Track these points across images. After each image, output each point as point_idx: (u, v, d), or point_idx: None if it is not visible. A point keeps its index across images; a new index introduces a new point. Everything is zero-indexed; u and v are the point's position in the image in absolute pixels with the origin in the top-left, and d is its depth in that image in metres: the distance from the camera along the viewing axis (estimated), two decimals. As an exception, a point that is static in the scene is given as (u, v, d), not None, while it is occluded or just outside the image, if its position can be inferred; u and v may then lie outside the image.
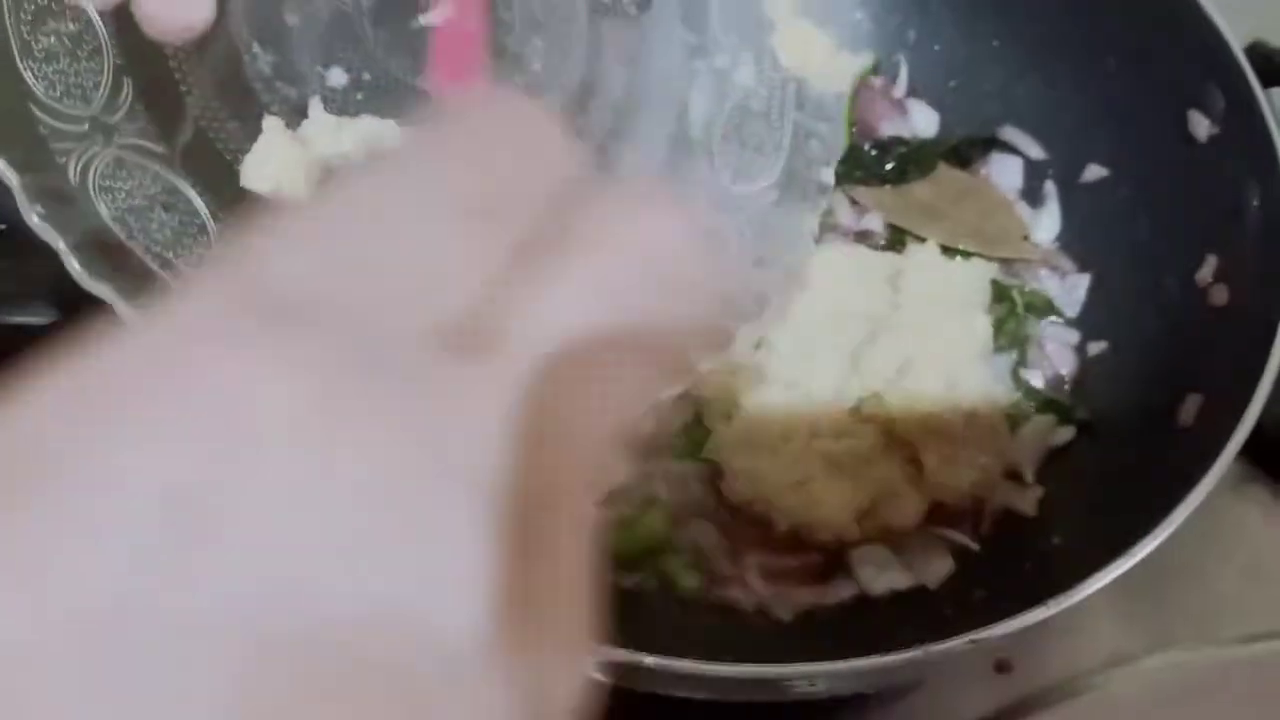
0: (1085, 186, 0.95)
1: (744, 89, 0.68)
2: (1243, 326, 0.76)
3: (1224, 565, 0.88)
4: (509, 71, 0.61)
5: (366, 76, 0.59)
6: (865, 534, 0.82)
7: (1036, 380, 0.91)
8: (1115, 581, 0.66)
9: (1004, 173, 0.99)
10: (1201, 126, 0.84)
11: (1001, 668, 0.82)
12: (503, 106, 0.27)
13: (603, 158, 0.63)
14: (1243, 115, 0.80)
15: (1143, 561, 0.66)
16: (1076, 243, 0.95)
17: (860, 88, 0.95)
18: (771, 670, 0.63)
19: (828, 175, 0.69)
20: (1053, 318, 0.93)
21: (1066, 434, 0.87)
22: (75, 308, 0.70)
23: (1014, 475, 0.85)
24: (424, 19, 0.59)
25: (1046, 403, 0.89)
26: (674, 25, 0.66)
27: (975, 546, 0.82)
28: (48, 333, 0.70)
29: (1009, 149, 0.99)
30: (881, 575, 0.81)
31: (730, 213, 0.66)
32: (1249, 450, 0.86)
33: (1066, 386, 0.91)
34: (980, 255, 0.93)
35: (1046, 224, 0.96)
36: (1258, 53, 1.00)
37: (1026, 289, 0.94)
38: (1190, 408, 0.77)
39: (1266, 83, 0.82)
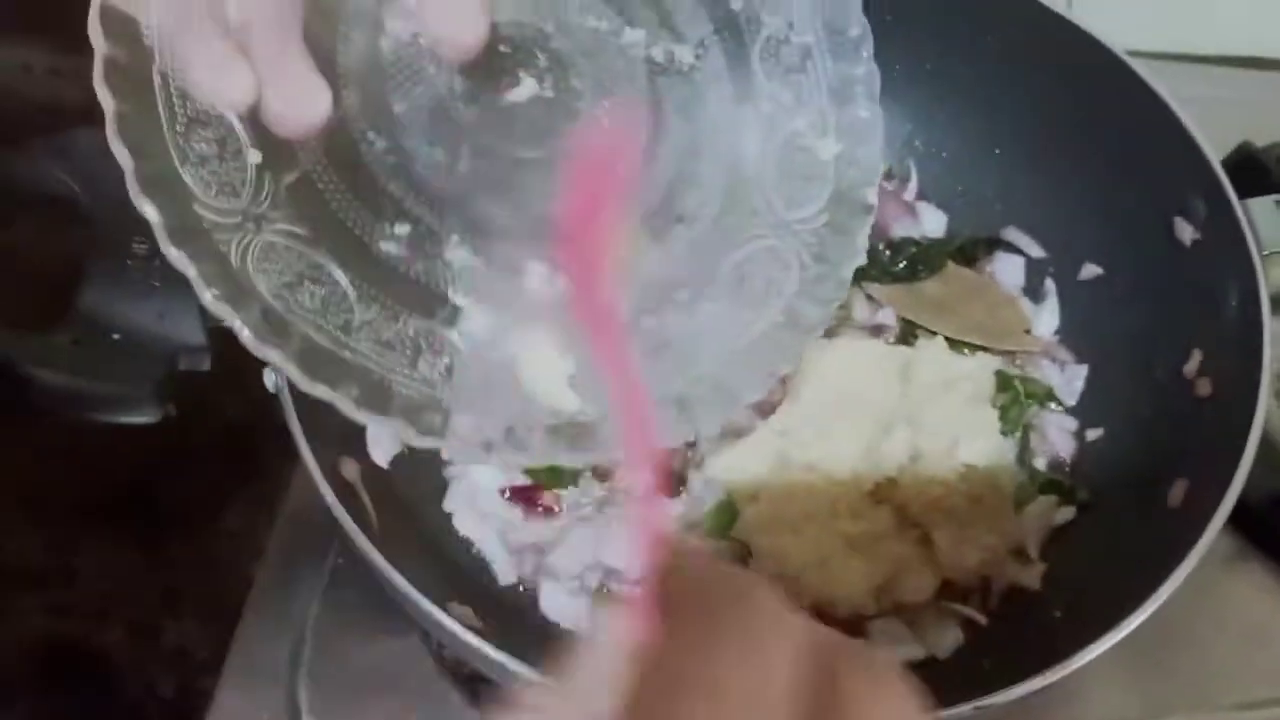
0: (1082, 284, 1.03)
1: (789, 127, 0.74)
2: (1224, 416, 0.82)
3: (1219, 635, 0.94)
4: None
5: (465, 153, 0.66)
6: (881, 609, 0.88)
7: (1040, 464, 0.97)
8: (1116, 650, 0.72)
9: (1007, 271, 1.07)
10: (1186, 232, 0.91)
11: (1008, 732, 0.89)
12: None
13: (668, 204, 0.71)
14: (1223, 224, 0.87)
15: (1142, 631, 0.72)
16: (1075, 336, 1.03)
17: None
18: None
19: (871, 195, 0.75)
20: (1053, 405, 1.00)
21: (1068, 513, 0.93)
22: (180, 408, 0.78)
23: (1019, 552, 0.91)
24: (511, 95, 0.66)
25: (1049, 484, 0.96)
26: (722, 78, 0.73)
27: (983, 620, 0.88)
28: (153, 431, 0.78)
29: (1012, 248, 1.07)
30: (896, 648, 0.86)
31: (788, 239, 0.73)
32: (1241, 528, 0.94)
33: (1067, 469, 0.98)
34: (985, 349, 1.00)
35: (1047, 318, 1.04)
36: (1244, 153, 1.08)
37: (1029, 379, 1.01)
38: (1178, 491, 0.84)
39: (1247, 191, 0.89)
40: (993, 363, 0.99)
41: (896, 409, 0.92)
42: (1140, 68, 0.93)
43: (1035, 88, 1.00)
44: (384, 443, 0.87)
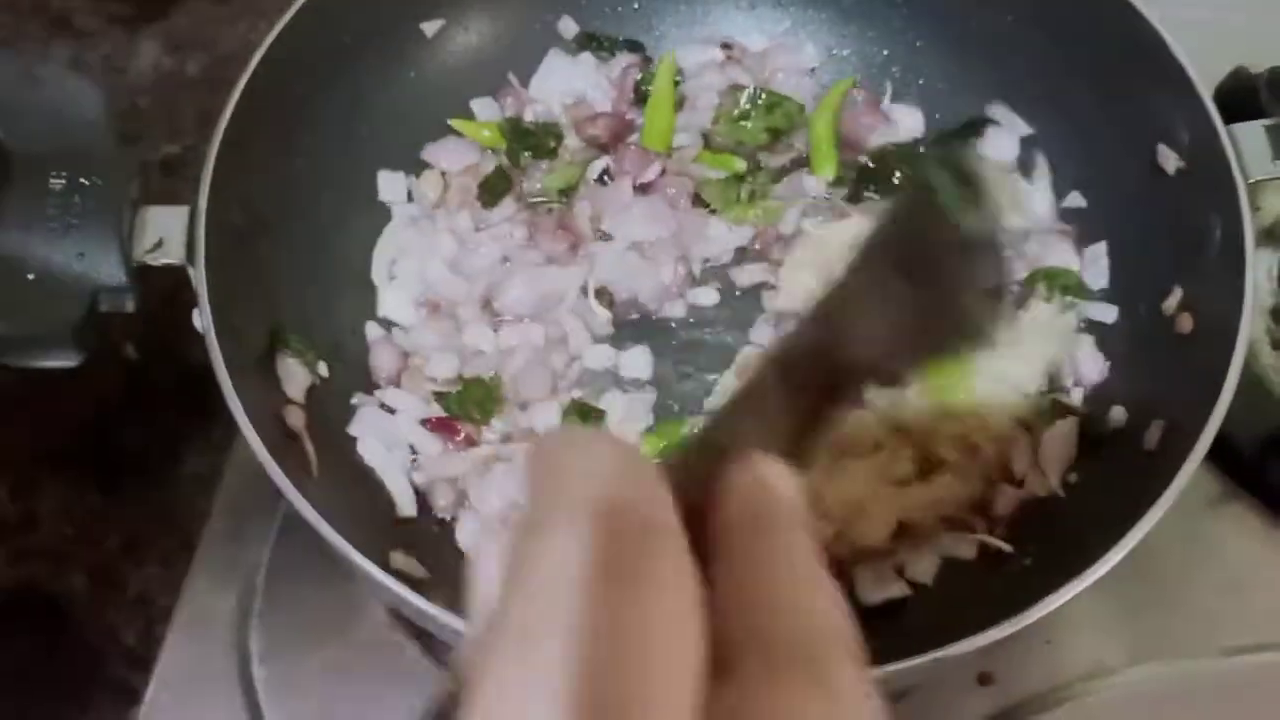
0: (1066, 213, 0.99)
1: None
2: (1203, 354, 0.78)
3: (1203, 581, 0.91)
4: None
5: None
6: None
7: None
8: (1097, 597, 0.70)
9: (997, 147, 1.01)
10: (1170, 160, 0.87)
11: (984, 680, 0.86)
12: None
13: None
14: (1207, 151, 0.83)
15: (1124, 577, 0.70)
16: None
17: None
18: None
19: None
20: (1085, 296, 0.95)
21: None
22: (95, 352, 0.76)
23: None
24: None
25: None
26: None
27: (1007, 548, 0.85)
28: (111, 375, 0.76)
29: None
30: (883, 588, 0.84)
31: None
32: (1226, 469, 0.91)
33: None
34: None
35: (1041, 197, 0.99)
36: (1239, 78, 1.04)
37: (1053, 270, 0.96)
38: (1155, 433, 0.81)
39: (1236, 117, 0.85)
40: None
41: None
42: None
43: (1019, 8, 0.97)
44: (295, 376, 0.84)
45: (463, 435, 0.90)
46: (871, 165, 1.02)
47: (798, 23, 1.07)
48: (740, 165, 1.01)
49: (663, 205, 0.99)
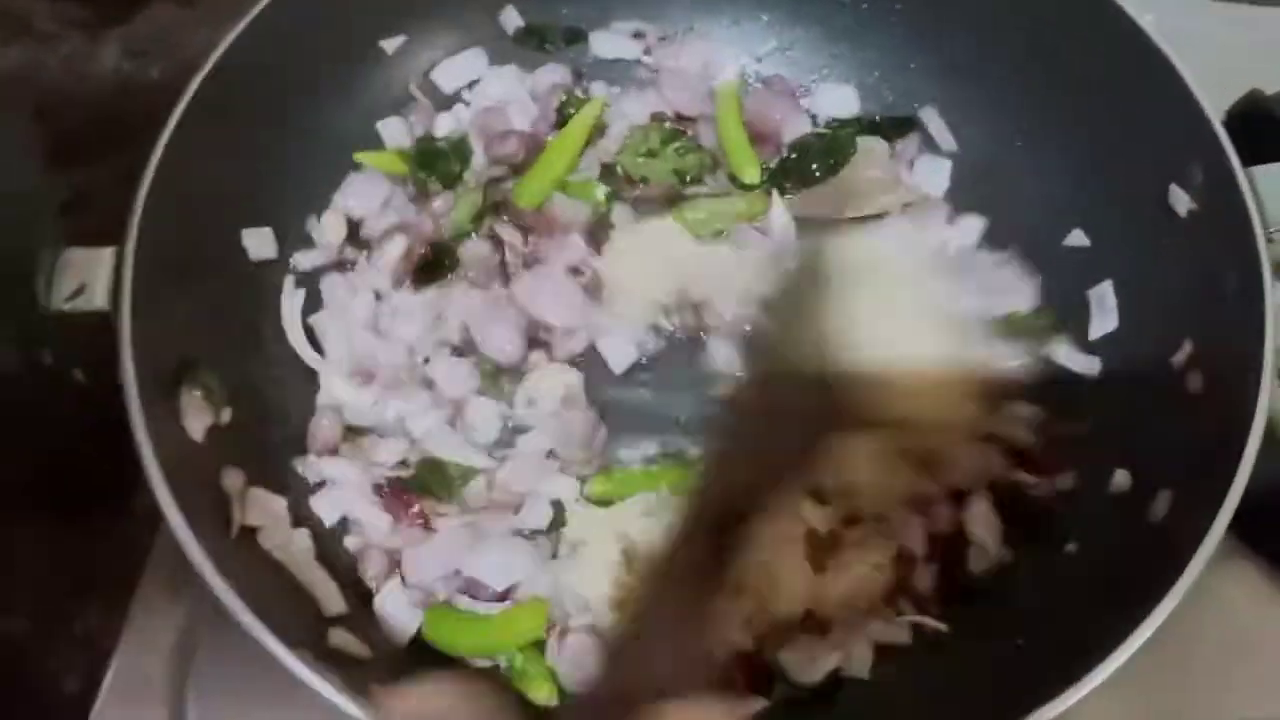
0: (1065, 252, 0.92)
1: None
2: (1215, 420, 0.72)
3: (1209, 646, 0.84)
4: None
5: None
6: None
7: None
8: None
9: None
10: (1182, 202, 0.81)
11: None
12: None
13: None
14: (1223, 194, 0.76)
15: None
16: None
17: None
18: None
19: None
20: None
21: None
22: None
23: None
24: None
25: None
26: None
27: (944, 628, 0.80)
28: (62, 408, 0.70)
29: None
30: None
31: None
32: (1234, 523, 0.84)
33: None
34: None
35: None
36: (1253, 102, 0.97)
37: None
38: (1162, 504, 0.74)
39: (1255, 154, 0.78)
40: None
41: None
42: (1133, 8, 0.82)
43: (1021, 28, 0.91)
44: (199, 414, 0.78)
45: (417, 510, 0.84)
46: (793, 157, 1.00)
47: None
48: (600, 194, 0.96)
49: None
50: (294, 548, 0.79)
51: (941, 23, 0.96)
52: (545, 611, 0.81)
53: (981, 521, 0.83)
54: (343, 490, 0.84)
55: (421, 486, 0.85)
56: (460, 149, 0.97)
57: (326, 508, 0.83)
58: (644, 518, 0.84)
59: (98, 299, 0.73)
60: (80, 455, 0.94)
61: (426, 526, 0.83)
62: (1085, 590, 0.75)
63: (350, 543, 0.83)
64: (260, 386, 0.85)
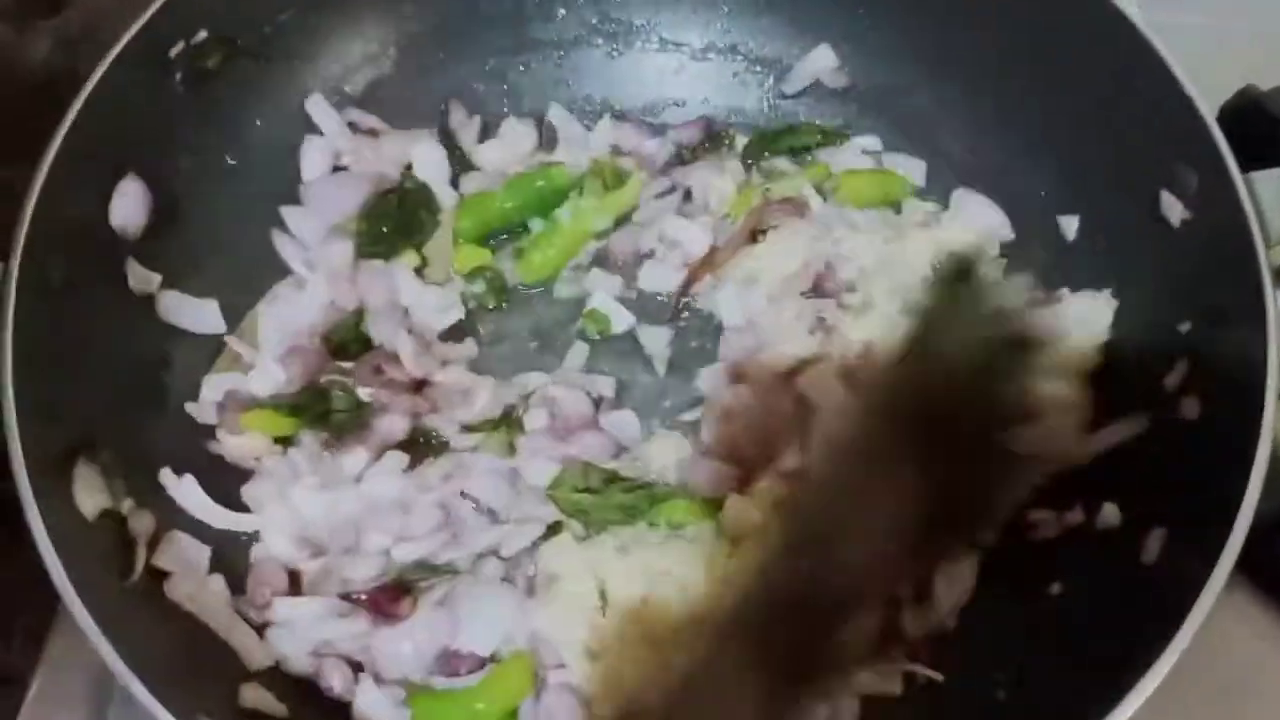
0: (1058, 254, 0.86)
1: None
2: (1213, 451, 0.66)
3: (1209, 686, 0.78)
4: None
5: None
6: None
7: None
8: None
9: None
10: (1175, 210, 0.74)
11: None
12: None
13: None
14: (1219, 202, 0.70)
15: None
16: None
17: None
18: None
19: None
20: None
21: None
22: None
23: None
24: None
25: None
26: None
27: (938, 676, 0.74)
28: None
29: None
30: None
31: None
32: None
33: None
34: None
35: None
36: (1247, 99, 0.91)
37: None
38: (1154, 543, 0.68)
39: (1251, 156, 0.72)
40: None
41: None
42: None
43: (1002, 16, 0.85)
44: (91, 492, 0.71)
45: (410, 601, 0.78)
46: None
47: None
48: (486, 257, 0.92)
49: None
50: (208, 596, 0.72)
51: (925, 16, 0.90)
52: (530, 664, 0.76)
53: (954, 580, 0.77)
54: (306, 627, 0.76)
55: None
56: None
57: (291, 646, 0.75)
58: (618, 555, 0.79)
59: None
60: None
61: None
62: (1070, 642, 0.69)
63: (306, 664, 0.76)
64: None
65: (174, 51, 0.81)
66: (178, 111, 0.82)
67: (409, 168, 0.92)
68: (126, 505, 0.72)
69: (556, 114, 0.96)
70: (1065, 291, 0.83)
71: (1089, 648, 0.64)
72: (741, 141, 0.96)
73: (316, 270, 0.88)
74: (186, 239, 0.83)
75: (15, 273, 0.67)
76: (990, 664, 0.71)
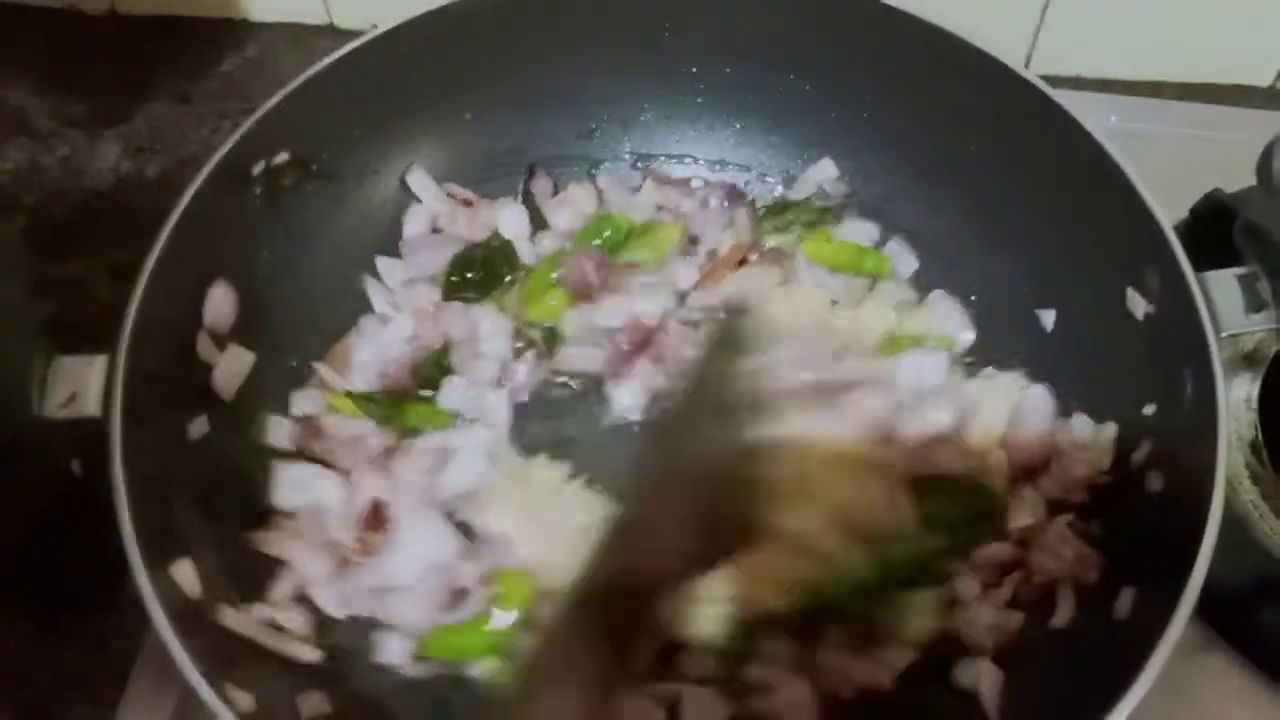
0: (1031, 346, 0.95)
1: None
2: (1175, 517, 0.74)
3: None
4: None
5: None
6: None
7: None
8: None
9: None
10: (1139, 305, 0.83)
11: None
12: None
13: None
14: (1176, 301, 0.79)
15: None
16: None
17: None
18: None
19: None
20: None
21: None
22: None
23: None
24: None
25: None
26: None
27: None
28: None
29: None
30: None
31: None
32: (1207, 614, 0.85)
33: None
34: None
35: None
36: (1213, 203, 1.00)
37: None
38: (1126, 601, 0.76)
39: (1211, 255, 0.82)
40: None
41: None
42: (1094, 127, 0.85)
43: (982, 142, 0.95)
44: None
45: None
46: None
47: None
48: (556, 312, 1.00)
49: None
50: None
51: (898, 123, 0.99)
52: (528, 578, 0.85)
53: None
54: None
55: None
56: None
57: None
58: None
59: (89, 407, 0.74)
60: (66, 548, 0.96)
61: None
62: (1052, 693, 0.77)
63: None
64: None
65: (256, 170, 0.88)
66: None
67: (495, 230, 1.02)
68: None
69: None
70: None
71: (1067, 700, 0.72)
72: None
73: (402, 310, 0.97)
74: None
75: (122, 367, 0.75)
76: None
